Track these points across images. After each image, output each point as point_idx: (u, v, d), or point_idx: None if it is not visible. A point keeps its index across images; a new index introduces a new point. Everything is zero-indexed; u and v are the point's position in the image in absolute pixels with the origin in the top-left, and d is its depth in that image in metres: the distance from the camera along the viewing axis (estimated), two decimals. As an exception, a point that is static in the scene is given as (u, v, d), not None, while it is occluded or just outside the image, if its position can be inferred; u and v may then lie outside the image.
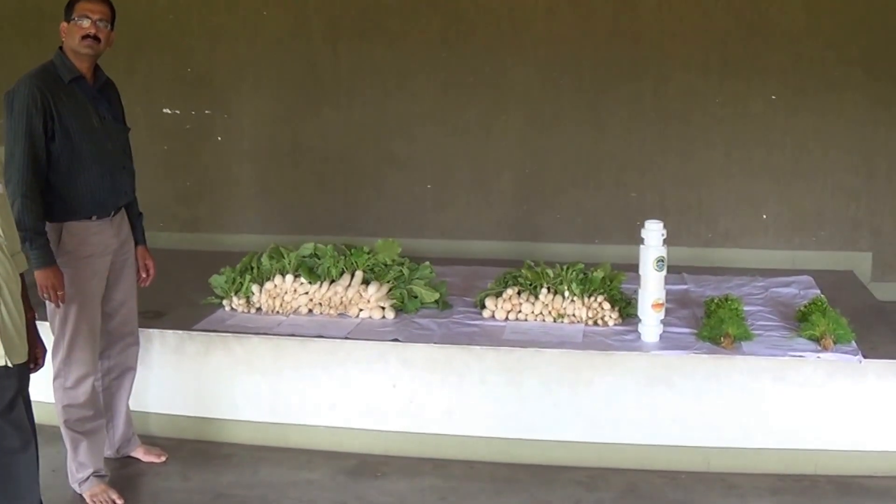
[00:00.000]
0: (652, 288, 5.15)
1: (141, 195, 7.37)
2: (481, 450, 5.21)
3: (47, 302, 4.66)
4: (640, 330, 5.25)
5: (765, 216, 7.34)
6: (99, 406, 4.98)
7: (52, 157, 4.60)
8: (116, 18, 4.79)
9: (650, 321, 5.19)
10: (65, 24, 4.70)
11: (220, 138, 7.94)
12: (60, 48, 4.75)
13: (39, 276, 4.53)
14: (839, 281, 6.53)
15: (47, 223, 4.63)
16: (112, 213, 4.86)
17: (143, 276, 5.14)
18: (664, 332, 5.24)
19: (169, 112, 7.97)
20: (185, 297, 6.06)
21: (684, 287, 6.30)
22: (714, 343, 5.09)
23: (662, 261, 5.11)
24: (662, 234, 5.10)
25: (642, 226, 5.10)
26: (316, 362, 5.35)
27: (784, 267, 6.99)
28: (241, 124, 7.90)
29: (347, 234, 7.54)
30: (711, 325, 5.19)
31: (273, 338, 5.39)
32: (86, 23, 4.65)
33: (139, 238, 5.13)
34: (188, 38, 7.86)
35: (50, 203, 4.62)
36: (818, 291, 6.05)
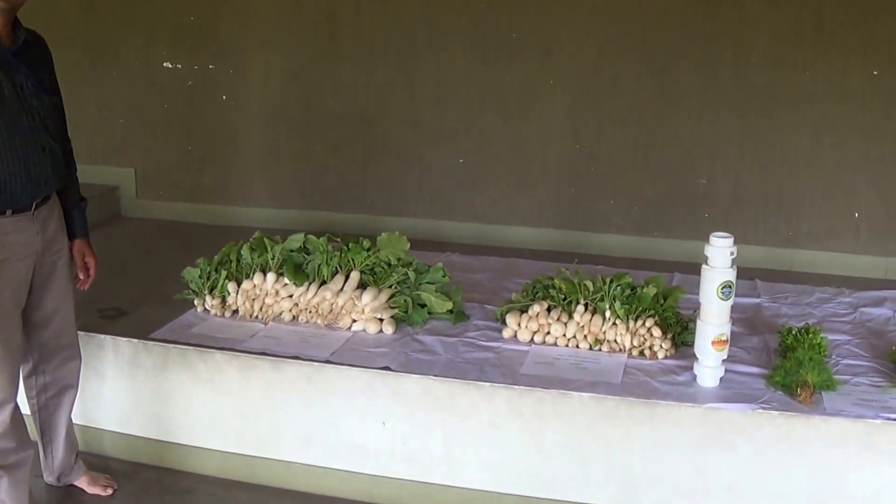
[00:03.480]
0: (714, 321, 4.19)
1: (139, 159, 7.26)
2: None
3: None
4: (696, 370, 4.31)
5: (857, 215, 6.31)
6: (23, 436, 4.18)
7: None
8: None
9: (709, 362, 4.25)
10: None
11: (224, 97, 7.14)
12: None
13: None
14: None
15: (-52, 221, 3.85)
16: (33, 207, 4.00)
17: (81, 276, 4.37)
18: (727, 372, 4.31)
19: (169, 66, 7.20)
20: (159, 288, 5.36)
21: (756, 301, 5.39)
22: (788, 393, 4.16)
23: (730, 287, 4.15)
24: (732, 254, 4.15)
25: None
26: (291, 388, 4.55)
27: (875, 276, 6.17)
28: (249, 82, 7.09)
29: (366, 211, 6.95)
30: (787, 368, 4.25)
31: (240, 355, 4.59)
32: None
33: (77, 230, 4.32)
34: (191, -18, 7.04)
35: None
36: None
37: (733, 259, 4.15)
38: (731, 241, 4.13)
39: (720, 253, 4.13)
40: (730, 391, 4.21)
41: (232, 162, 7.25)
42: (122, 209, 7.41)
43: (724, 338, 4.19)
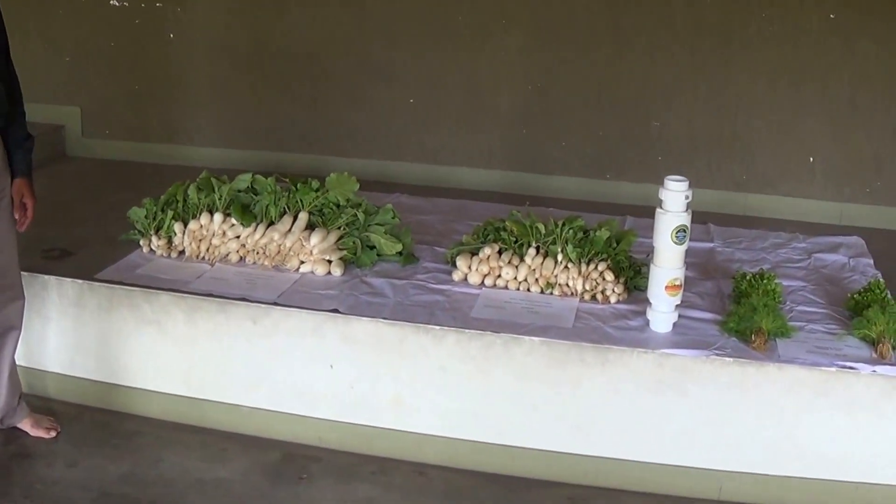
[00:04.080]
0: (668, 265, 4.12)
1: (85, 98, 7.07)
2: (436, 452, 4.36)
3: None
4: (649, 316, 4.24)
5: (811, 159, 6.26)
6: None
7: None
8: None
9: (662, 307, 4.18)
10: None
11: (172, 35, 6.95)
12: None
13: None
14: (895, 245, 5.67)
15: None
16: None
17: (17, 217, 4.23)
18: (680, 317, 4.25)
19: (116, 4, 6.98)
20: (104, 229, 5.24)
21: (710, 245, 5.34)
22: (742, 339, 4.11)
23: (684, 232, 4.08)
24: (687, 197, 4.06)
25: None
26: (237, 330, 4.46)
27: (829, 221, 6.12)
28: (196, 20, 6.89)
29: (315, 151, 6.84)
30: (741, 314, 4.19)
31: (186, 297, 4.50)
32: None
33: (18, 169, 4.17)
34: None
35: None
36: (871, 262, 5.19)
37: (688, 203, 4.06)
38: (686, 184, 4.04)
39: (675, 197, 4.04)
40: (683, 337, 4.15)
41: (179, 101, 7.07)
42: (67, 148, 7.22)
43: (677, 283, 4.12)
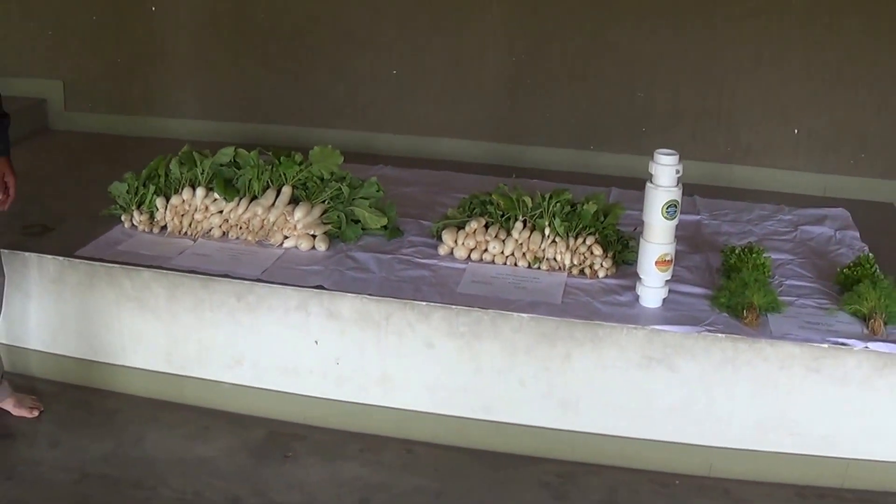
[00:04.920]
0: (659, 240, 4.08)
1: (68, 71, 6.91)
2: (423, 429, 4.34)
3: None
4: (639, 291, 4.20)
5: (796, 131, 6.20)
6: None
7: None
8: None
9: (652, 282, 4.14)
10: None
11: (153, 8, 6.82)
12: None
13: None
14: (880, 218, 5.62)
15: None
16: None
17: (1, 196, 4.17)
18: (670, 292, 4.20)
19: None
20: (86, 204, 5.15)
21: (696, 218, 5.28)
22: (733, 315, 4.07)
23: (675, 207, 4.03)
24: (678, 172, 4.01)
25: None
26: (220, 307, 4.41)
27: (814, 193, 6.05)
28: None
29: (298, 122, 6.73)
30: (732, 289, 4.14)
31: (168, 273, 4.43)
32: None
33: None
34: None
35: None
36: (857, 234, 5.17)
37: (678, 177, 4.01)
38: (676, 158, 3.99)
39: (666, 171, 3.98)
40: (673, 313, 4.10)
41: (161, 73, 6.97)
42: (49, 122, 7.11)
43: (668, 258, 4.08)
